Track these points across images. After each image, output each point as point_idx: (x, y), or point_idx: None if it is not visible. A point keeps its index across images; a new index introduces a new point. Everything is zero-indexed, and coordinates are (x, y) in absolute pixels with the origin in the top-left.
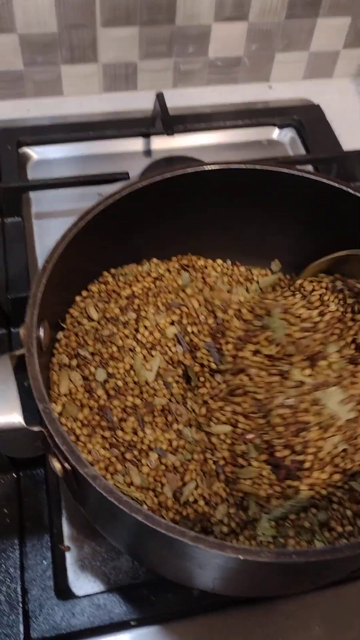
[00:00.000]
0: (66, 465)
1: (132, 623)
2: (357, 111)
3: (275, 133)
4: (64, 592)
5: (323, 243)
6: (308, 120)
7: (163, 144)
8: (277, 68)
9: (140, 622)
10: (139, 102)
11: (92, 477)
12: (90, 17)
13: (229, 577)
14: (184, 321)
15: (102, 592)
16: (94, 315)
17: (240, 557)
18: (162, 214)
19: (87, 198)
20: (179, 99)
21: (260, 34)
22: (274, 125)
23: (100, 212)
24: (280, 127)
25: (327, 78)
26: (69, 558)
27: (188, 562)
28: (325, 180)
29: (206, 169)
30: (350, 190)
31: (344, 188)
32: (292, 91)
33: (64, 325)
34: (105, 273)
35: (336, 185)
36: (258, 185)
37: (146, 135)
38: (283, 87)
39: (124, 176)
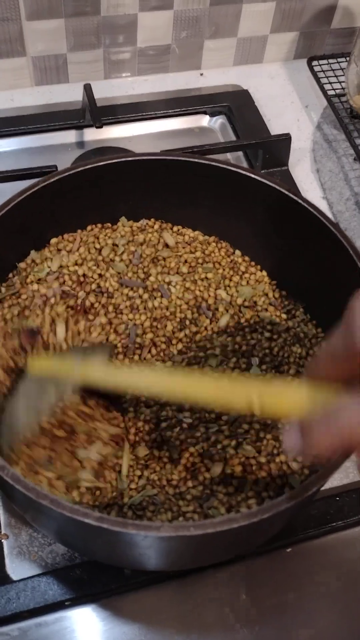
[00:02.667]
0: None
1: (67, 603)
2: (287, 95)
3: (206, 120)
4: (0, 578)
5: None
6: (237, 106)
7: (95, 135)
8: (208, 55)
9: (74, 602)
10: (71, 94)
11: None
12: (14, 11)
13: (140, 553)
14: None
15: (37, 575)
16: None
17: (142, 533)
18: (78, 209)
19: None
20: (111, 90)
21: (187, 22)
22: (205, 113)
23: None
24: (211, 114)
25: (258, 63)
26: (7, 545)
27: (100, 541)
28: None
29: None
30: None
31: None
32: (223, 78)
33: None
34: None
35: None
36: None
37: (78, 128)
38: (214, 75)
39: (52, 169)
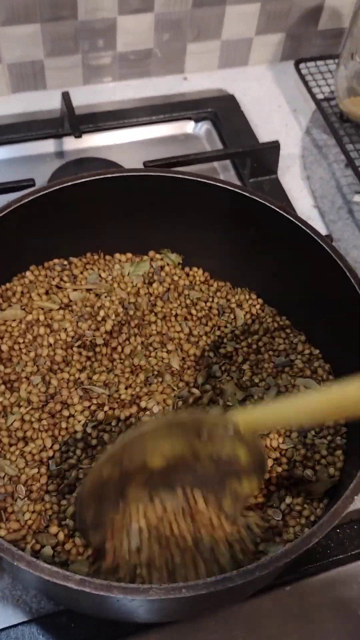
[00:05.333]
0: None
1: None
2: (274, 99)
3: (191, 127)
4: None
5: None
6: (223, 111)
7: (76, 144)
8: (191, 58)
9: None
10: (50, 101)
11: None
12: None
13: (129, 610)
14: None
15: (20, 624)
16: None
17: (129, 597)
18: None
19: None
20: (92, 96)
21: (169, 25)
22: (189, 119)
23: None
24: (196, 120)
25: (243, 66)
26: None
27: (86, 601)
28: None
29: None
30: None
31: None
32: (208, 82)
33: None
34: None
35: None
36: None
37: (57, 137)
38: (199, 78)
39: (30, 183)
